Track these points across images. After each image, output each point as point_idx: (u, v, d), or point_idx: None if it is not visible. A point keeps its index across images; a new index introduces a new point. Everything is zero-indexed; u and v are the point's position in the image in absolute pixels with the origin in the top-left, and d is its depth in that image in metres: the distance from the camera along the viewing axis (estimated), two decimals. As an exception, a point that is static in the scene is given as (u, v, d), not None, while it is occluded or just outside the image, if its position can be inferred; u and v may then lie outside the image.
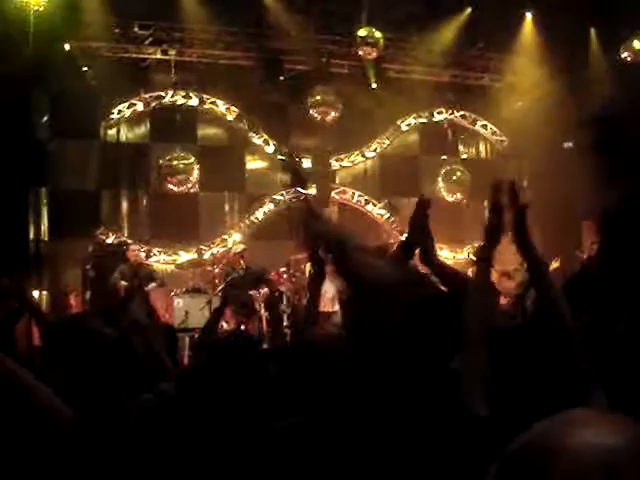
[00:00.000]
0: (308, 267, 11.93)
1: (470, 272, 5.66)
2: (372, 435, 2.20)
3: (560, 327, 2.23)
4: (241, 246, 13.63)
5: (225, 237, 15.27)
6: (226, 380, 2.85)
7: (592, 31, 15.14)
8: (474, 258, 3.34)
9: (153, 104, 15.02)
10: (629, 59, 14.62)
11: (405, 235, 3.50)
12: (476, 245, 16.09)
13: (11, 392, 1.75)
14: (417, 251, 3.44)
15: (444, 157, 16.89)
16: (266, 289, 12.82)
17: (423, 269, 3.58)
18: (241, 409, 2.74)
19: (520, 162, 16.76)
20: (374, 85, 15.77)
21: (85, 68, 13.89)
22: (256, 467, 2.42)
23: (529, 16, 15.35)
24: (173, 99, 15.10)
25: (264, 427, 2.52)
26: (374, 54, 15.16)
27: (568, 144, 15.81)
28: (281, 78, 15.28)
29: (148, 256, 14.35)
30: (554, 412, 0.99)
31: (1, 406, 1.75)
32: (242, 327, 12.23)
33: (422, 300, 3.20)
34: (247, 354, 3.06)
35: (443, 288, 3.34)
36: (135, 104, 14.86)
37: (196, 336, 10.04)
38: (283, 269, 13.72)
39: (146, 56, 14.73)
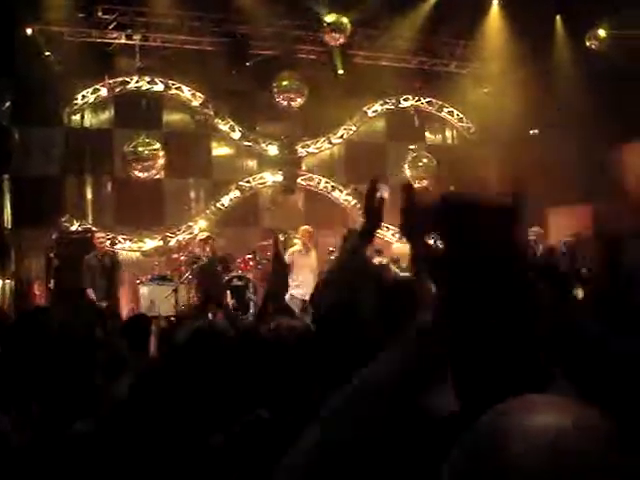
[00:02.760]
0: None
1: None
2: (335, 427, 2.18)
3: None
4: (206, 233, 13.58)
5: (191, 224, 15.18)
6: (192, 372, 2.83)
7: (558, 19, 15.22)
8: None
9: (117, 90, 14.84)
10: (594, 47, 14.70)
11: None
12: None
13: None
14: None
15: (412, 147, 16.90)
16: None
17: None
18: (206, 400, 2.72)
19: (486, 149, 16.82)
20: (341, 71, 15.72)
21: (48, 53, 13.67)
22: (221, 461, 2.40)
23: (496, 3, 15.40)
24: (138, 85, 14.94)
25: (230, 420, 2.50)
26: (341, 40, 15.11)
27: (534, 131, 15.93)
28: (247, 64, 15.17)
29: (113, 243, 14.21)
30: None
31: None
32: (210, 316, 12.21)
33: (388, 287, 3.19)
34: (215, 346, 3.04)
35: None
36: (99, 90, 14.67)
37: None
38: (249, 256, 13.68)
39: (110, 41, 14.53)
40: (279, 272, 11.93)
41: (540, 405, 0.94)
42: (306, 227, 12.65)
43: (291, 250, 12.02)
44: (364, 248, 3.37)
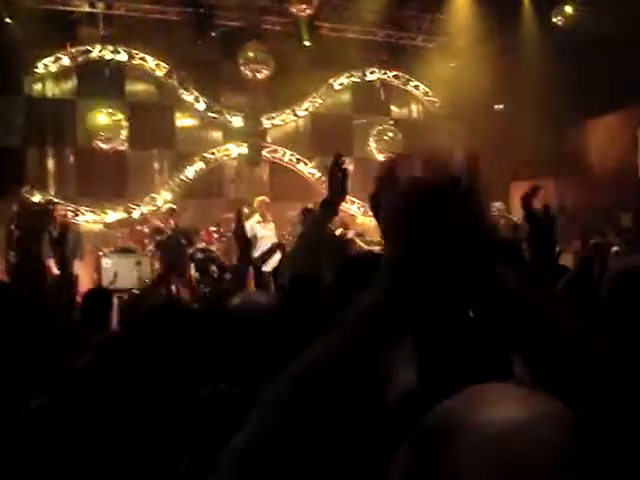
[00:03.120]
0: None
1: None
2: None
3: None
4: (169, 205, 13.51)
5: (154, 196, 15.06)
6: (153, 346, 2.81)
7: (525, -6, 15.25)
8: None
9: (80, 59, 14.58)
10: (560, 24, 14.75)
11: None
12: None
13: None
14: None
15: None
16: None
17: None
18: (166, 375, 2.70)
19: (452, 123, 16.85)
20: (307, 43, 15.62)
21: (8, 20, 13.39)
22: (178, 434, 2.40)
23: (463, -23, 15.37)
24: (101, 54, 14.69)
25: (188, 393, 2.50)
26: (308, 11, 15.01)
27: (499, 106, 15.99)
28: (213, 34, 15.02)
29: (76, 215, 14.06)
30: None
31: None
32: (173, 288, 12.16)
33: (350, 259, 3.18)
34: (178, 320, 3.03)
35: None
36: (61, 58, 14.41)
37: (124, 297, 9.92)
38: (213, 228, 13.62)
39: (73, 9, 14.26)
40: (242, 246, 11.95)
41: (488, 396, 0.92)
42: (262, 197, 12.77)
43: (250, 222, 12.12)
44: (328, 220, 3.37)
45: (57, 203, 12.98)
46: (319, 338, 1.25)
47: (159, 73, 15.28)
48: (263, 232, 11.99)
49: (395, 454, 0.93)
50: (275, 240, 11.85)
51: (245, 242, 4.57)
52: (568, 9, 14.51)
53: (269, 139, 16.26)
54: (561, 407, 0.90)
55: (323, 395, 1.14)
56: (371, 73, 17.08)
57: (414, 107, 17.84)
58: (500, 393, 0.93)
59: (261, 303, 2.70)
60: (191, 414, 2.40)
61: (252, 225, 11.99)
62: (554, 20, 14.69)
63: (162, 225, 12.79)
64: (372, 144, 16.94)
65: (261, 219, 12.44)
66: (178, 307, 3.26)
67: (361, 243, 13.19)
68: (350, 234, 13.13)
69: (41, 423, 2.46)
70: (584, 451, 0.85)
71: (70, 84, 14.69)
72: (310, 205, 12.71)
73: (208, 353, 2.75)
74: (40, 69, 14.26)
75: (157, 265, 12.52)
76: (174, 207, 13.19)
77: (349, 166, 3.39)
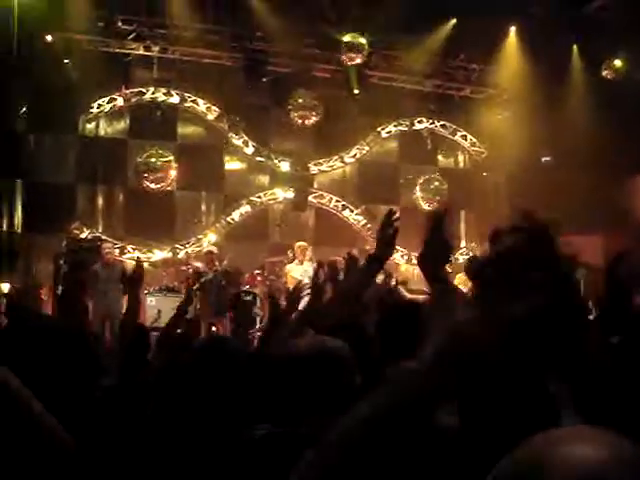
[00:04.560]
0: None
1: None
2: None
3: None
4: (209, 248, 13.68)
5: (200, 237, 15.19)
6: (203, 382, 2.82)
7: (574, 47, 15.26)
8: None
9: (133, 100, 14.90)
10: (609, 77, 14.74)
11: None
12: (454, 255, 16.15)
13: (10, 413, 1.67)
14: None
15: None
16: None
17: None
18: (214, 413, 2.70)
19: (498, 174, 16.84)
20: (356, 91, 15.77)
21: (66, 61, 13.77)
22: (225, 475, 2.39)
23: (513, 30, 15.45)
24: (154, 96, 15.00)
25: (236, 434, 2.49)
26: (358, 60, 15.19)
27: (546, 158, 15.94)
28: (263, 80, 15.25)
29: (122, 252, 14.23)
30: (522, 430, 1.02)
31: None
32: (213, 328, 12.22)
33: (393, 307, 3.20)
34: (231, 359, 3.03)
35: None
36: (115, 99, 14.74)
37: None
38: (258, 271, 13.68)
39: (128, 51, 14.62)
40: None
41: (579, 437, 0.95)
42: (300, 243, 12.95)
43: (288, 267, 12.91)
44: (374, 274, 3.41)
45: (105, 240, 13.15)
46: (368, 396, 1.36)
47: (210, 116, 15.52)
48: (296, 273, 12.32)
49: None
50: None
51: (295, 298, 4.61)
52: (617, 62, 14.51)
53: (315, 185, 16.35)
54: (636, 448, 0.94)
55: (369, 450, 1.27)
56: (419, 122, 17.16)
57: (460, 157, 17.85)
58: (581, 434, 0.96)
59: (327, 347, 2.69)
60: (247, 456, 2.40)
61: (290, 268, 12.73)
62: (603, 74, 14.69)
63: (201, 267, 12.91)
64: (418, 193, 16.94)
65: (299, 263, 12.82)
66: (226, 350, 3.27)
67: (404, 291, 13.13)
68: (393, 282, 13.10)
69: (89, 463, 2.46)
70: None
71: (122, 124, 15.01)
72: (354, 251, 12.78)
73: (250, 394, 2.76)
74: (94, 109, 14.58)
75: (199, 305, 12.58)
76: (213, 250, 13.33)
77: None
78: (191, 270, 13.40)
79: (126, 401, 2.77)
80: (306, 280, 12.05)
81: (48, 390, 1.94)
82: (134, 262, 13.20)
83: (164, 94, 15.05)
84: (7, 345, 2.88)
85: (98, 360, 3.80)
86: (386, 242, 3.29)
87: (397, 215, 3.36)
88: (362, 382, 2.50)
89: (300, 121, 15.83)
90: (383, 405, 1.34)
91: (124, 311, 4.64)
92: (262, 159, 15.92)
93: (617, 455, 0.90)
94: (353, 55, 15.11)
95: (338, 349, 2.60)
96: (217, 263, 12.94)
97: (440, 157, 17.70)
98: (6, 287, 12.42)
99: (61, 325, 3.72)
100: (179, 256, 14.83)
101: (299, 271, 12.48)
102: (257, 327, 12.70)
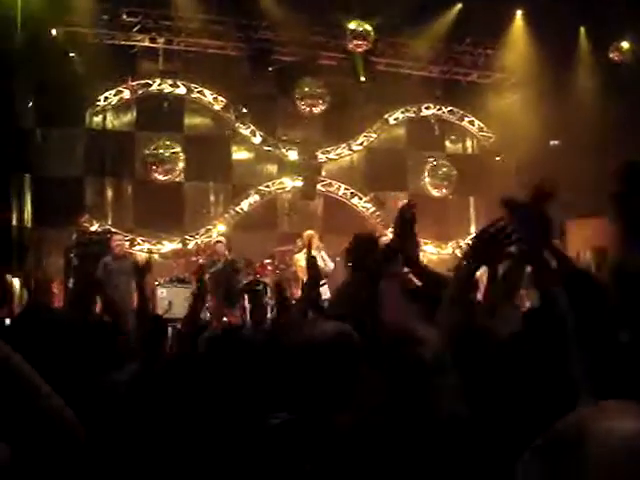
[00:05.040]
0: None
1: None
2: (360, 436, 2.18)
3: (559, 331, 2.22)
4: (218, 238, 13.71)
5: (209, 227, 15.21)
6: (219, 372, 2.83)
7: (582, 30, 15.19)
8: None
9: (140, 92, 14.89)
10: (617, 59, 14.67)
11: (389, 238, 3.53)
12: (461, 241, 16.15)
13: (16, 395, 1.65)
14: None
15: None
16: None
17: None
18: (230, 402, 2.71)
19: (506, 159, 16.78)
20: (362, 78, 15.74)
21: (72, 54, 13.77)
22: (243, 463, 2.40)
23: (519, 13, 15.39)
24: (160, 87, 15.00)
25: (255, 422, 2.50)
26: (364, 47, 15.15)
27: (554, 142, 15.88)
28: (269, 69, 15.24)
29: (132, 245, 14.26)
30: (540, 415, 1.14)
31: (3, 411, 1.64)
32: (225, 319, 12.23)
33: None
34: (247, 348, 3.04)
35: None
36: (122, 91, 14.74)
37: (178, 326, 9.98)
38: (268, 261, 13.69)
39: (134, 43, 14.62)
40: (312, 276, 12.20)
41: (613, 410, 1.01)
42: (309, 232, 12.85)
43: (297, 256, 12.73)
44: (393, 263, 3.42)
45: (114, 232, 13.17)
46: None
47: (217, 107, 15.52)
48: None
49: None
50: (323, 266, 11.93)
51: (314, 272, 4.62)
52: (625, 44, 14.43)
53: (324, 173, 16.34)
54: None
55: None
56: (426, 108, 17.11)
57: (469, 142, 17.80)
58: (623, 408, 1.01)
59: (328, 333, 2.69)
60: (265, 443, 2.40)
61: (300, 257, 12.42)
62: (611, 56, 14.62)
63: (203, 260, 12.98)
64: (426, 179, 16.92)
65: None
66: (238, 338, 3.29)
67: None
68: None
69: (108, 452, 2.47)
70: None
71: (129, 117, 15.02)
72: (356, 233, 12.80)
73: (266, 382, 2.77)
74: (101, 102, 14.60)
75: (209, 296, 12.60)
76: (222, 240, 13.36)
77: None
78: (201, 261, 13.42)
79: (149, 389, 2.78)
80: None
81: (64, 381, 1.95)
82: (144, 254, 13.35)
83: (170, 85, 15.04)
84: (22, 335, 2.90)
85: (117, 350, 3.82)
86: (405, 231, 3.31)
87: (415, 205, 3.38)
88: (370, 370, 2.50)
89: (307, 109, 15.84)
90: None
91: (136, 302, 4.70)
92: (270, 148, 15.92)
93: None
94: (359, 42, 15.07)
95: (350, 334, 2.61)
96: (227, 253, 12.96)
97: (448, 143, 17.65)
98: (17, 281, 12.47)
99: (77, 317, 3.74)
100: (189, 247, 14.85)
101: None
102: (268, 316, 12.73)
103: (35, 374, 1.67)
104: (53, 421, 1.64)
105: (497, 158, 16.84)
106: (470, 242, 2.93)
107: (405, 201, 3.38)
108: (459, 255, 14.61)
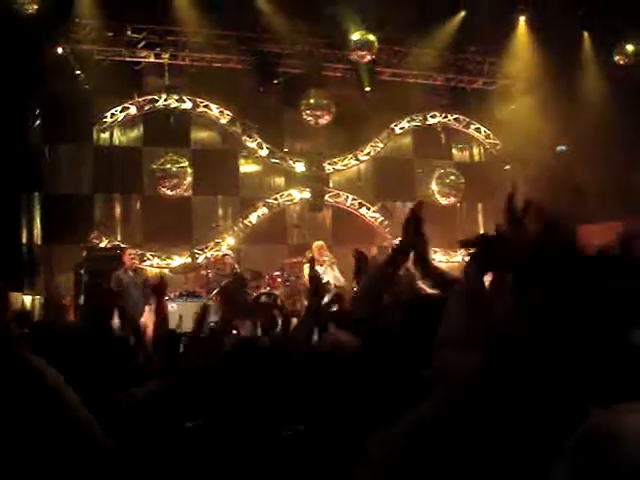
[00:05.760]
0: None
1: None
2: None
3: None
4: (224, 251, 13.78)
5: (219, 241, 15.23)
6: (237, 382, 2.83)
7: (585, 35, 15.19)
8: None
9: (146, 107, 14.97)
10: (622, 63, 14.67)
11: (399, 239, 3.53)
12: (470, 249, 16.11)
13: (49, 409, 1.66)
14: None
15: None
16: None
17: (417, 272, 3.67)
18: (247, 413, 2.71)
19: (513, 165, 16.76)
20: (368, 89, 15.76)
21: (78, 72, 13.82)
22: (257, 473, 2.40)
23: (522, 20, 15.39)
24: (166, 102, 15.05)
25: (269, 433, 2.50)
26: (368, 58, 15.17)
27: (561, 147, 15.87)
28: (275, 82, 15.27)
29: (142, 260, 14.29)
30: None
31: (36, 422, 1.65)
32: (234, 331, 12.21)
33: (416, 303, 3.19)
34: (262, 359, 3.04)
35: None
36: (128, 107, 14.81)
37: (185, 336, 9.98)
38: (277, 273, 13.70)
39: (139, 59, 14.68)
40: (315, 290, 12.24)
41: None
42: (318, 243, 12.85)
43: (307, 266, 12.55)
44: (398, 265, 3.40)
45: (125, 248, 13.19)
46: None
47: (223, 121, 15.57)
48: (324, 276, 12.14)
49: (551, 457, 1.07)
50: (335, 282, 11.95)
51: (318, 286, 4.64)
52: (629, 47, 14.43)
53: (331, 184, 16.36)
54: None
55: None
56: (432, 117, 17.14)
57: (475, 150, 17.80)
58: None
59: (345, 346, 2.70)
60: (277, 454, 2.41)
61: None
62: (616, 59, 14.61)
63: (212, 273, 13.06)
64: (434, 187, 16.93)
65: (318, 263, 12.59)
66: (259, 348, 3.29)
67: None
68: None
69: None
70: None
71: (136, 132, 15.08)
72: (374, 249, 12.88)
73: (280, 393, 2.77)
74: (108, 118, 14.66)
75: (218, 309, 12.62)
76: (229, 253, 13.43)
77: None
78: (211, 275, 13.43)
79: (171, 404, 2.80)
80: (326, 279, 12.10)
81: (82, 397, 1.96)
82: (155, 271, 13.36)
83: (176, 100, 15.09)
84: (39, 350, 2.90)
85: (136, 366, 3.82)
86: (412, 232, 3.30)
87: (423, 206, 3.38)
88: (381, 379, 2.50)
89: (313, 121, 15.86)
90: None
91: (154, 319, 4.74)
92: (277, 161, 15.95)
93: None
94: (363, 53, 15.08)
95: (347, 345, 2.61)
96: (236, 266, 12.99)
97: (455, 151, 17.66)
98: (28, 299, 12.51)
99: (95, 331, 3.74)
100: (198, 261, 14.86)
101: (319, 271, 12.46)
102: (278, 329, 12.72)
103: (68, 389, 1.69)
104: (85, 433, 1.65)
105: (506, 167, 16.81)
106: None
107: (415, 202, 3.38)
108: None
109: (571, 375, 1.76)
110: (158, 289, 4.77)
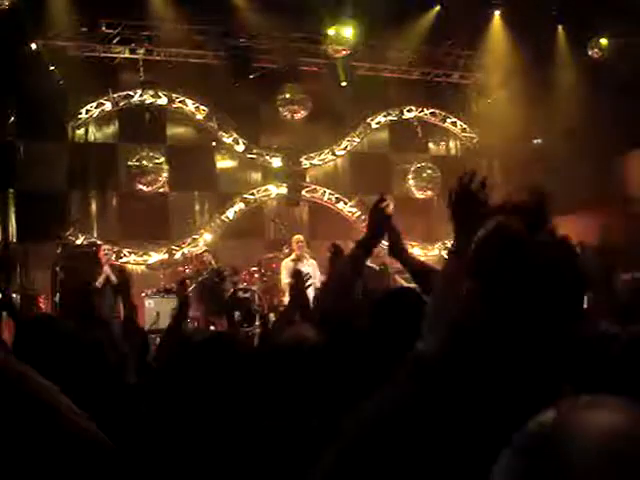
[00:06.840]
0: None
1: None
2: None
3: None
4: (203, 248, 13.78)
5: (196, 237, 15.19)
6: (205, 381, 2.82)
7: (559, 28, 15.25)
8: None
9: (122, 104, 14.88)
10: (596, 57, 14.75)
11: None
12: (447, 242, 16.18)
13: (34, 412, 1.63)
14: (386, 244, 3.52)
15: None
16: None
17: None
18: (218, 410, 2.71)
19: (490, 159, 16.82)
20: (344, 83, 15.74)
21: (52, 68, 13.72)
22: (238, 468, 2.40)
23: (497, 14, 15.43)
24: (142, 98, 14.98)
25: (242, 429, 2.50)
26: (343, 52, 15.17)
27: (537, 141, 15.95)
28: (250, 77, 15.22)
29: (118, 257, 14.22)
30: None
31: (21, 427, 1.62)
32: (212, 327, 12.22)
33: (388, 295, 3.19)
34: (234, 356, 3.03)
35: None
36: (103, 104, 14.72)
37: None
38: (254, 268, 13.69)
39: (114, 55, 14.60)
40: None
41: (599, 404, 0.98)
42: (297, 237, 12.84)
43: (285, 262, 12.65)
44: (363, 259, 3.40)
45: (100, 245, 13.13)
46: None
47: (199, 116, 15.51)
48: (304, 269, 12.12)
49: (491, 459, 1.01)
50: (315, 276, 11.93)
51: (298, 279, 4.64)
52: (603, 41, 14.51)
53: (308, 179, 16.36)
54: None
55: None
56: (408, 111, 17.15)
57: (452, 144, 17.85)
58: (601, 402, 1.00)
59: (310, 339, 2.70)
60: (252, 451, 2.40)
61: (287, 263, 12.42)
62: (590, 53, 14.70)
63: (189, 269, 13.04)
64: (411, 182, 16.96)
65: (295, 258, 12.52)
66: (230, 343, 3.28)
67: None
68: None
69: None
70: None
71: (112, 128, 14.99)
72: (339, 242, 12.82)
73: (255, 388, 2.76)
74: (83, 115, 14.56)
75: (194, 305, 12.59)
76: (206, 249, 13.47)
77: (390, 206, 3.44)
78: (188, 272, 13.40)
79: (143, 400, 2.79)
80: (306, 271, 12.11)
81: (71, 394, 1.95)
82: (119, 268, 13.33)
83: (152, 96, 15.01)
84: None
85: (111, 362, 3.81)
86: (376, 226, 3.30)
87: (387, 201, 3.37)
88: (354, 374, 2.51)
89: (289, 116, 15.85)
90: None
91: (123, 316, 4.72)
92: (253, 156, 15.92)
93: (636, 421, 0.93)
94: (339, 47, 15.09)
95: (309, 340, 2.62)
96: (212, 262, 12.97)
97: (431, 145, 17.69)
98: None
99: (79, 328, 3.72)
100: (175, 257, 14.82)
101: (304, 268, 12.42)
102: (256, 324, 12.71)
103: (55, 390, 1.66)
104: (77, 436, 1.63)
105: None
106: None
107: (381, 194, 3.37)
108: (445, 257, 14.67)
109: (536, 364, 1.76)
110: (120, 287, 4.75)
